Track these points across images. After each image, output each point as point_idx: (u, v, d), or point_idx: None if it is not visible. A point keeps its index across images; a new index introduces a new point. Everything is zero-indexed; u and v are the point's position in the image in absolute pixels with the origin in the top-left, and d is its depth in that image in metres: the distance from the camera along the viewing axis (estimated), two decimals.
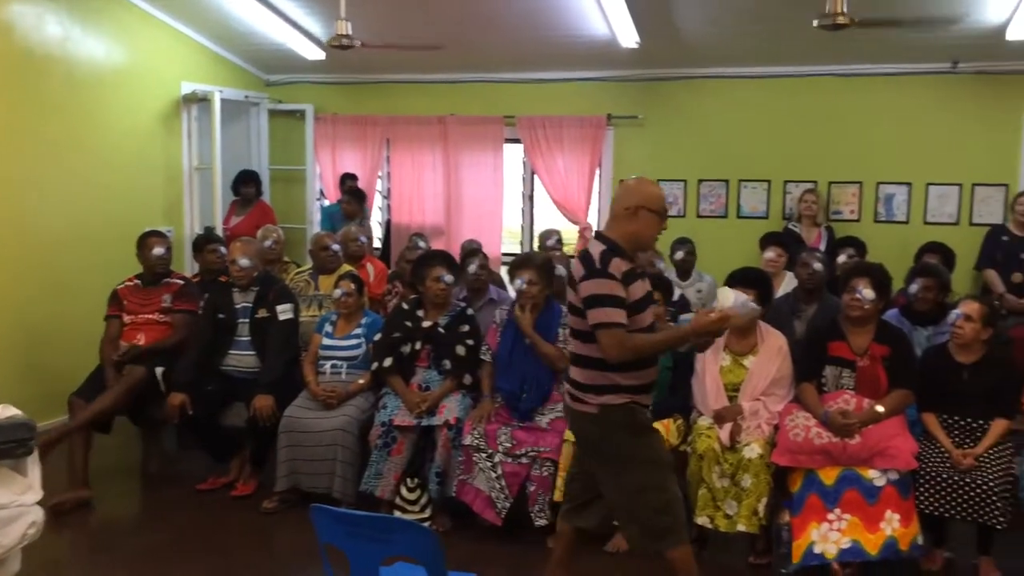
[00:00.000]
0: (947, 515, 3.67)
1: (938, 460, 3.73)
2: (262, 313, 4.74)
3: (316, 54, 7.01)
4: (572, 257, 6.87)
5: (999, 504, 3.59)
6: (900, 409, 3.86)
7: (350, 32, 5.36)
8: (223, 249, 5.32)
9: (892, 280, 4.17)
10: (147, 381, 4.70)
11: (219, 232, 6.62)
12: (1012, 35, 5.61)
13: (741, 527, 3.80)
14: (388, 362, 4.48)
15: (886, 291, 4.07)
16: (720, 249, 6.59)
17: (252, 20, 6.64)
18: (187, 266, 6.68)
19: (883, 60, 6.53)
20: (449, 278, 4.51)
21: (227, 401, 4.72)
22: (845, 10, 4.31)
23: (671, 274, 5.87)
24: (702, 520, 3.87)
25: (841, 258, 5.59)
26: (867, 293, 3.93)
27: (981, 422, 3.85)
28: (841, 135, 6.84)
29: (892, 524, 3.55)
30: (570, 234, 7.60)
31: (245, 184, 7.02)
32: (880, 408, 3.78)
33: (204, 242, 5.62)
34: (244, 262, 4.75)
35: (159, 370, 4.74)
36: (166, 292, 4.97)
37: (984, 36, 5.80)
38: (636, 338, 3.00)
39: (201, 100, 6.99)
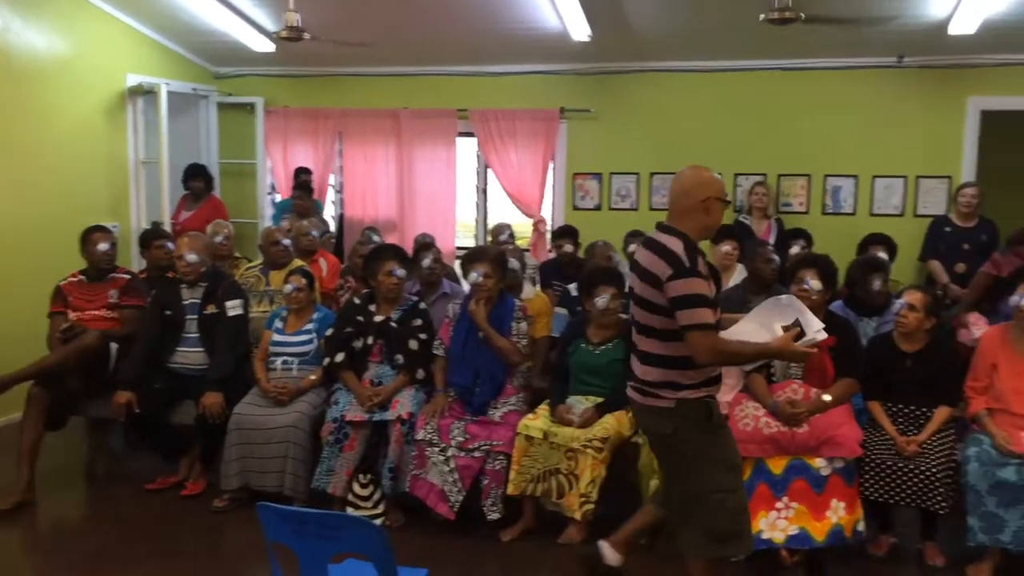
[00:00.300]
0: (892, 501, 3.75)
1: (883, 447, 3.81)
2: (210, 309, 4.67)
3: (266, 46, 6.92)
4: (527, 250, 6.94)
5: (942, 490, 3.68)
6: (846, 398, 3.92)
7: (299, 24, 5.30)
8: (170, 245, 5.23)
9: (838, 271, 4.24)
10: (99, 349, 4.63)
11: (168, 227, 6.50)
12: (954, 29, 5.73)
13: None
14: (340, 357, 4.45)
15: (832, 282, 4.14)
16: None
17: (199, 11, 6.53)
18: (133, 262, 6.55)
19: (830, 54, 6.63)
20: (401, 272, 4.49)
21: (175, 399, 4.64)
22: (791, 4, 4.36)
23: (624, 267, 5.91)
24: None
25: (794, 250, 5.66)
26: (815, 284, 3.99)
27: (924, 410, 3.93)
28: (790, 128, 6.93)
29: (838, 512, 3.60)
30: (523, 227, 7.60)
31: (194, 178, 6.91)
32: (827, 397, 3.83)
33: (151, 237, 5.52)
34: (192, 258, 4.68)
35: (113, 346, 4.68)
36: (112, 287, 4.88)
37: (928, 31, 5.92)
38: (730, 344, 2.93)
39: (147, 93, 6.87)
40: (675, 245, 2.90)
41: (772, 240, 6.34)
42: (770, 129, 6.97)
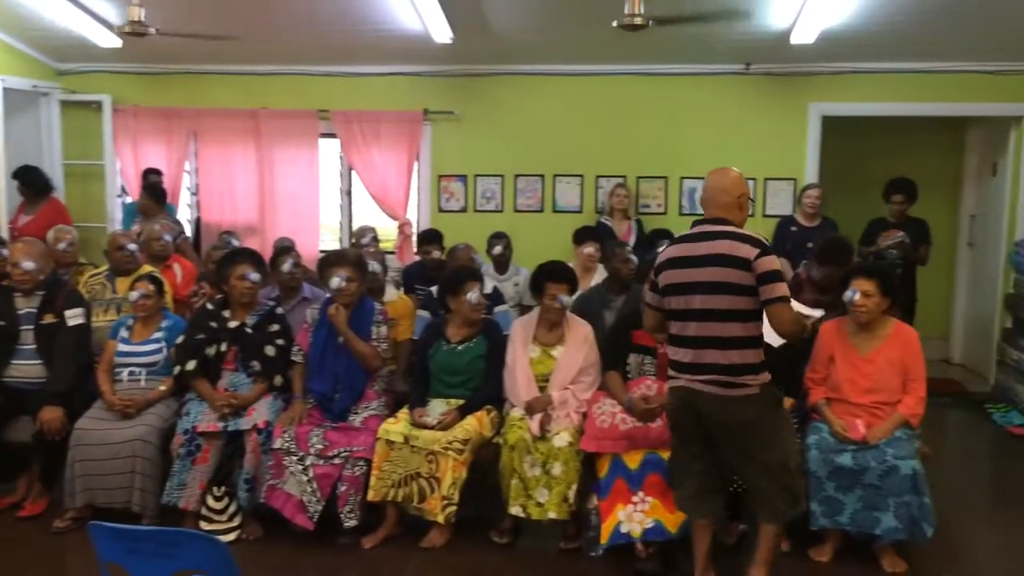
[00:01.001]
0: (740, 490, 3.88)
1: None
2: (48, 319, 4.41)
3: (111, 41, 6.57)
4: (392, 252, 6.85)
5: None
6: None
7: (143, 19, 5.06)
8: (4, 251, 4.90)
9: None
10: None
11: (5, 232, 6.09)
12: (796, 39, 6.04)
13: (552, 514, 3.89)
14: (191, 365, 4.27)
15: None
16: (537, 242, 6.71)
17: (37, 3, 6.14)
18: None
19: (683, 60, 6.87)
20: (255, 276, 4.35)
21: (11, 414, 4.36)
22: (642, 11, 4.49)
23: (489, 268, 5.94)
24: (515, 510, 3.94)
25: (660, 249, 5.79)
26: None
27: None
28: (647, 132, 7.13)
29: None
30: (390, 230, 7.54)
31: (24, 181, 6.48)
32: None
33: None
34: (28, 265, 4.40)
35: None
36: None
37: (771, 40, 6.21)
38: (798, 315, 3.32)
39: None
40: (741, 233, 3.24)
41: (632, 240, 6.51)
42: (629, 132, 7.15)
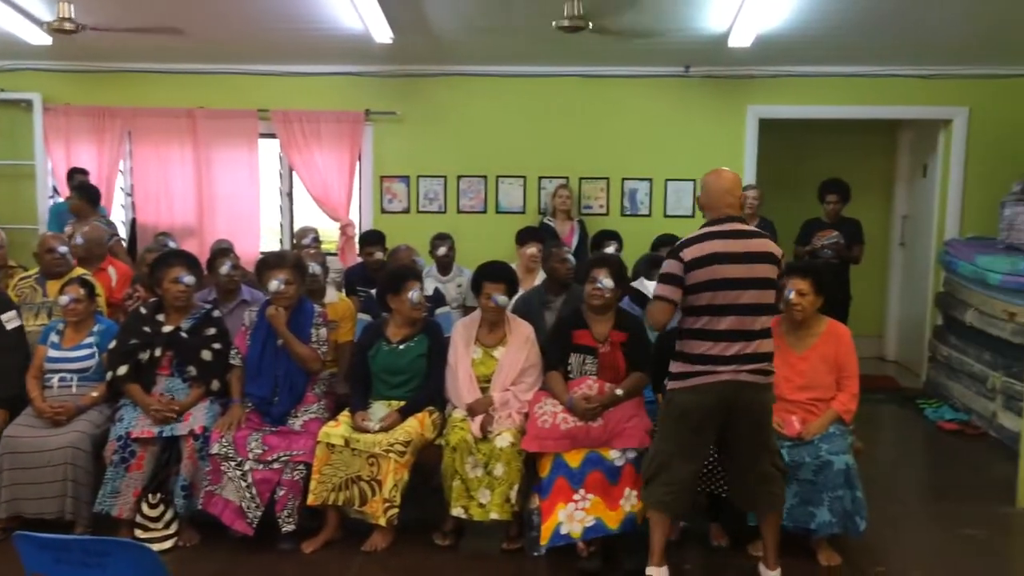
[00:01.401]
0: (725, 494, 3.89)
1: None
2: None
3: (40, 38, 6.39)
4: (334, 254, 6.77)
5: (723, 474, 3.89)
6: (638, 391, 4.10)
7: (72, 15, 4.93)
8: None
9: (627, 270, 4.42)
10: None
11: None
12: (733, 43, 6.13)
13: (494, 515, 3.89)
14: (123, 370, 4.17)
15: (623, 280, 4.31)
16: (480, 244, 6.71)
17: None
18: None
19: (624, 63, 6.94)
20: (188, 279, 4.26)
21: None
22: (580, 13, 4.52)
23: (432, 270, 5.92)
24: (457, 511, 3.93)
25: (608, 251, 5.84)
26: (607, 282, 4.15)
27: None
28: (589, 133, 7.19)
29: (630, 500, 3.76)
30: (331, 232, 7.47)
31: None
32: (619, 391, 4.00)
33: None
34: None
35: None
36: None
37: (709, 43, 6.29)
38: None
39: None
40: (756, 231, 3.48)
41: (575, 241, 6.55)
42: (571, 134, 7.20)
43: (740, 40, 6.09)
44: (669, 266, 3.44)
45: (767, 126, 7.18)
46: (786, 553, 3.72)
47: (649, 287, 3.68)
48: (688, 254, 3.39)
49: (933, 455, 5.76)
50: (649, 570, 3.53)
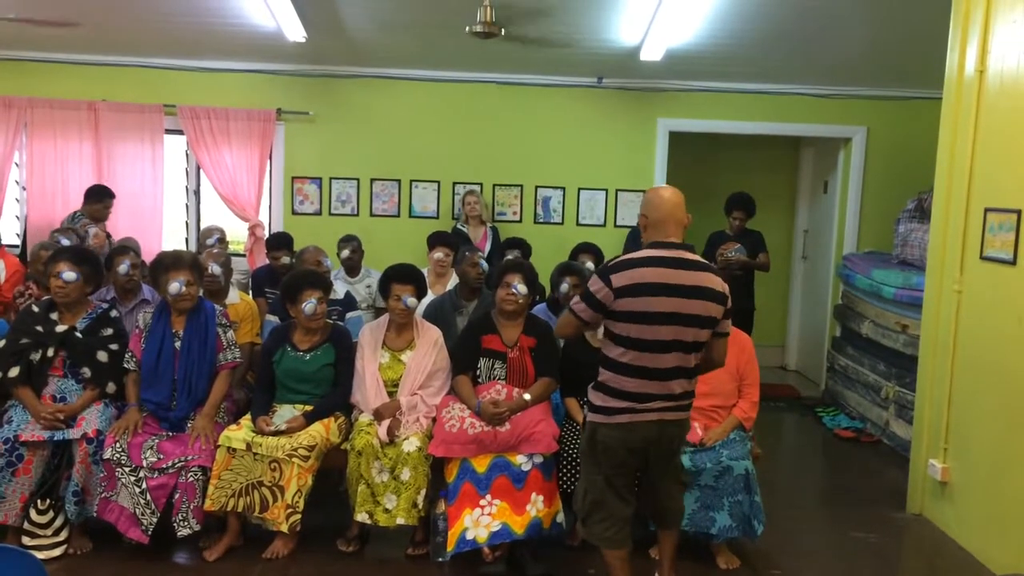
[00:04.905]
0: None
1: (577, 443, 4.01)
2: None
3: None
4: (242, 255, 6.60)
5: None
6: (545, 396, 4.12)
7: None
8: None
9: (538, 276, 4.45)
10: None
11: None
12: (644, 56, 6.25)
13: (401, 520, 3.86)
14: (14, 372, 3.98)
15: (535, 286, 4.34)
16: (394, 247, 6.68)
17: None
18: None
19: (539, 71, 7.00)
20: (69, 275, 4.03)
21: None
22: (493, 19, 4.54)
23: (340, 272, 5.84)
24: (361, 516, 3.88)
25: (509, 256, 5.85)
26: (521, 288, 4.17)
27: None
28: (503, 140, 7.23)
29: (537, 505, 3.77)
30: (240, 232, 7.30)
31: None
32: (527, 396, 4.01)
33: None
34: None
35: None
36: None
37: (622, 56, 6.41)
38: None
39: None
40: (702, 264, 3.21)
41: (488, 247, 6.56)
42: (486, 140, 7.22)
43: (651, 54, 6.22)
44: (594, 286, 3.14)
45: (677, 139, 7.34)
46: (686, 556, 3.79)
47: None
48: (618, 280, 3.09)
49: (829, 461, 5.96)
50: None
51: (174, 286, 4.05)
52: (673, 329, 3.09)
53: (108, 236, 6.12)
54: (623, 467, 3.27)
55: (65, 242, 5.53)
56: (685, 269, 3.12)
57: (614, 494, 3.28)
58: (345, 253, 5.80)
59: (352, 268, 5.84)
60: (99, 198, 6.40)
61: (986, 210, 4.21)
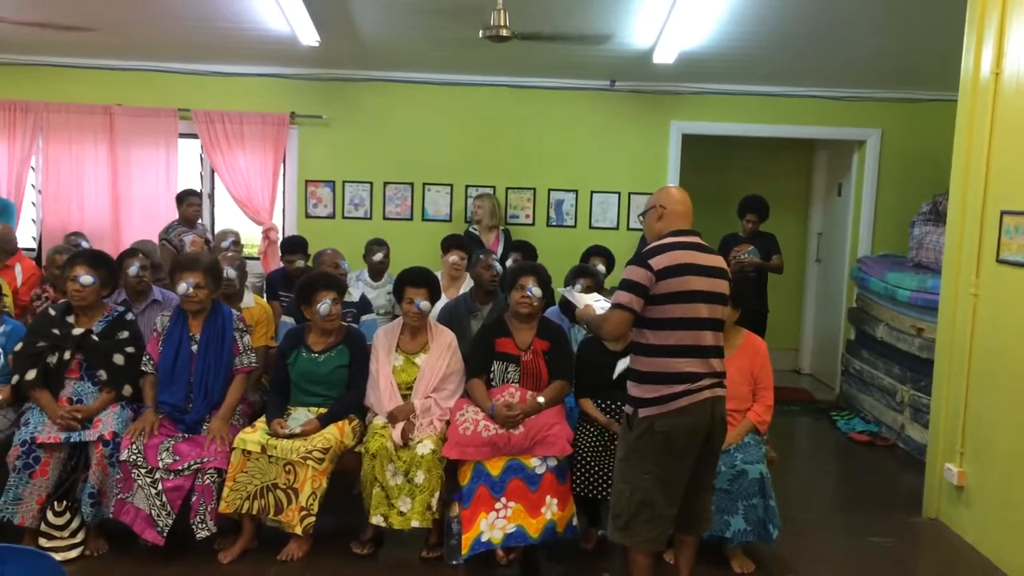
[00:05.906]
0: (599, 497, 3.96)
1: (591, 446, 4.00)
2: None
3: None
4: (256, 258, 6.64)
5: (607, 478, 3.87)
6: (559, 399, 4.12)
7: None
8: None
9: (552, 280, 4.45)
10: None
11: None
12: (657, 59, 6.25)
13: (415, 523, 3.86)
14: (31, 374, 4.01)
15: (548, 289, 4.34)
16: (407, 251, 6.66)
17: None
18: None
19: (550, 74, 7.01)
20: (86, 279, 4.05)
21: None
22: (507, 23, 4.54)
23: (363, 274, 5.84)
24: (376, 519, 3.88)
25: (508, 262, 5.86)
26: (536, 291, 4.18)
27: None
28: (516, 143, 7.23)
29: (551, 508, 3.77)
30: (254, 235, 7.33)
31: None
32: (541, 399, 4.02)
33: None
34: None
35: None
36: None
37: (635, 59, 6.40)
38: None
39: None
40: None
41: (499, 250, 6.56)
42: (498, 143, 7.23)
43: (664, 57, 6.22)
44: (635, 274, 3.14)
45: (690, 141, 7.32)
46: (700, 560, 3.76)
47: (580, 298, 3.61)
48: (658, 263, 3.13)
49: (844, 465, 5.93)
50: None
51: (182, 287, 4.09)
52: (708, 307, 3.21)
53: (207, 242, 6.14)
54: (684, 456, 3.17)
55: (84, 245, 5.58)
56: (704, 252, 3.28)
57: (663, 493, 3.17)
58: (379, 256, 5.78)
59: (379, 272, 5.84)
60: (180, 201, 6.51)
61: (1002, 213, 4.19)
